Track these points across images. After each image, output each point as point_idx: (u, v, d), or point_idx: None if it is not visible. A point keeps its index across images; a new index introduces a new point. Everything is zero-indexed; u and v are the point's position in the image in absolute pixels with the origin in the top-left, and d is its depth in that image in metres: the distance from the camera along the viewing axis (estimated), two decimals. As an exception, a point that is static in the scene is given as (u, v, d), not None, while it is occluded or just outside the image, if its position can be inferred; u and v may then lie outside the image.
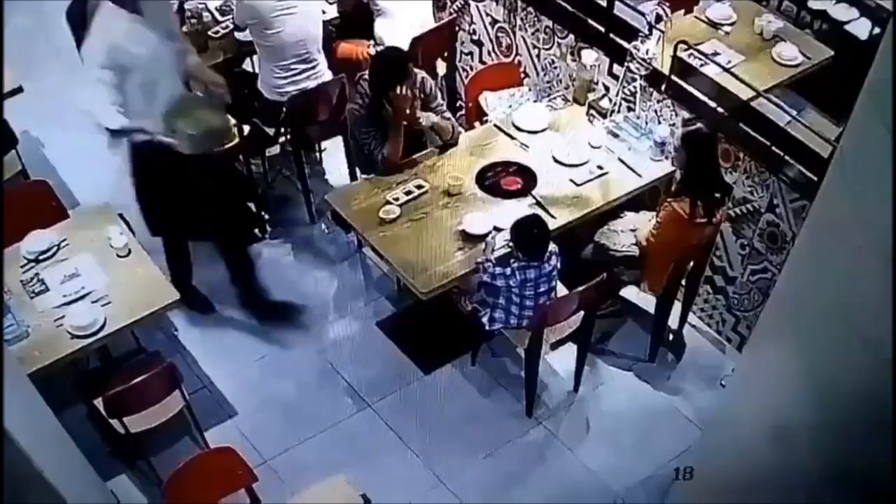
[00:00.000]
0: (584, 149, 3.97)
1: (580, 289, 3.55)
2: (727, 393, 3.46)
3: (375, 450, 3.78)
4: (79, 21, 4.64)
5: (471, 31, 4.79)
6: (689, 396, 4.01)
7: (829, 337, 2.11)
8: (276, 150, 4.74)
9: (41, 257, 3.59)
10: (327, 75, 4.38)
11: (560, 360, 4.08)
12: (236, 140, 4.26)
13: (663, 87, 3.87)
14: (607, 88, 4.17)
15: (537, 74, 4.55)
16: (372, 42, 4.59)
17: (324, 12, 4.45)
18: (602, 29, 4.06)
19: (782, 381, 2.39)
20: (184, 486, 2.99)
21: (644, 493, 3.64)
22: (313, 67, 4.29)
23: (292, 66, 4.24)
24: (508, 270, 3.44)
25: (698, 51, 3.82)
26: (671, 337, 4.19)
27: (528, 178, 3.88)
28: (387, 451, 3.79)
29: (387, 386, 4.00)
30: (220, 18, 4.59)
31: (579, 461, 3.79)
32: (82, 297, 3.45)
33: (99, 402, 3.31)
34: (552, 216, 3.69)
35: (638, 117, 3.99)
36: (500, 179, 3.89)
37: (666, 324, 4.08)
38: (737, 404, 2.81)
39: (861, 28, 4.09)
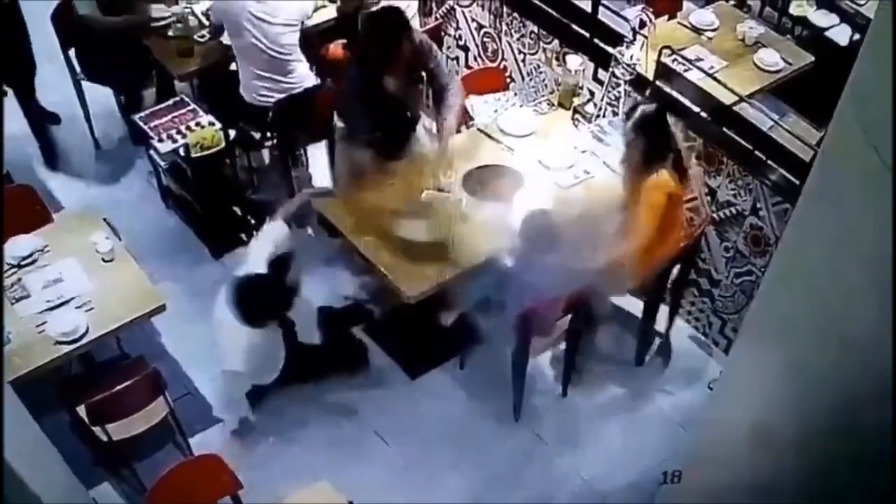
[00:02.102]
0: (569, 153, 3.99)
1: (567, 293, 3.55)
2: (714, 395, 3.48)
3: (361, 455, 3.77)
4: (64, 24, 4.65)
5: (457, 36, 4.81)
6: (677, 399, 4.02)
7: (813, 339, 2.13)
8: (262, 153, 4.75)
9: (23, 262, 3.56)
10: (308, 81, 4.38)
11: (547, 364, 4.09)
12: (222, 144, 4.27)
13: (647, 92, 3.89)
14: (592, 93, 4.19)
15: (523, 79, 4.57)
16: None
17: (308, 17, 4.43)
18: (587, 34, 4.09)
19: (767, 383, 2.40)
20: (168, 493, 2.97)
21: (631, 497, 3.65)
22: (290, 73, 4.28)
23: (266, 73, 4.24)
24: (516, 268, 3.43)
25: (682, 56, 3.85)
26: (658, 340, 4.21)
27: (513, 181, 3.89)
28: (373, 457, 3.78)
29: (374, 390, 3.99)
30: (205, 23, 4.58)
31: (567, 465, 3.79)
32: (65, 303, 3.43)
33: (81, 409, 3.28)
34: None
35: (622, 122, 4.02)
36: (487, 182, 3.90)
37: (653, 328, 4.09)
38: (723, 407, 2.82)
39: (841, 34, 4.15)
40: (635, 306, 4.03)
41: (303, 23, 4.34)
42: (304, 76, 4.35)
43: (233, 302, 3.25)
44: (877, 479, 2.07)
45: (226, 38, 4.42)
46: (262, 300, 3.32)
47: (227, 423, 3.83)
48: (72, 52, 4.72)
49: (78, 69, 4.75)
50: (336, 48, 4.61)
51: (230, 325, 3.29)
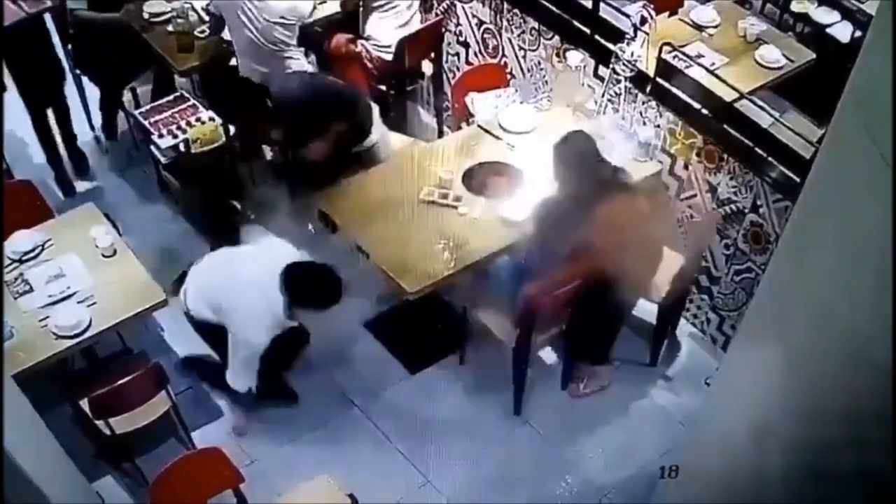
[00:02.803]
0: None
1: (569, 287, 3.56)
2: (711, 392, 3.49)
3: (362, 449, 3.79)
4: (63, 19, 4.65)
5: (457, 32, 4.81)
6: (675, 395, 4.04)
7: (811, 336, 2.13)
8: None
9: (25, 257, 3.57)
10: None
11: (548, 359, 4.10)
12: (222, 140, 4.27)
13: (648, 89, 3.90)
14: (593, 90, 4.19)
15: (523, 75, 4.58)
16: (362, 41, 4.63)
17: (304, 18, 4.40)
18: (587, 31, 4.09)
19: (765, 379, 2.41)
20: (170, 487, 2.98)
21: (630, 492, 3.66)
22: (285, 69, 4.28)
23: (261, 67, 4.25)
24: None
25: (683, 53, 3.86)
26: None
27: (514, 178, 3.90)
28: (373, 451, 3.79)
29: (374, 386, 4.01)
30: (205, 18, 4.58)
31: (566, 460, 3.81)
32: (67, 298, 3.44)
33: (84, 404, 3.29)
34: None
35: (623, 118, 4.03)
36: (487, 179, 3.91)
37: (667, 328, 4.09)
38: (720, 403, 2.83)
39: (842, 31, 4.14)
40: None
41: (302, 21, 4.35)
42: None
43: (291, 283, 3.34)
44: (876, 478, 2.08)
45: (226, 34, 4.43)
46: (321, 288, 3.42)
47: (229, 417, 3.86)
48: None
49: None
50: (339, 42, 4.63)
51: (264, 301, 3.32)
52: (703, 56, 3.96)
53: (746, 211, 3.76)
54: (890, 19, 1.66)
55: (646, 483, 3.45)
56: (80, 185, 4.79)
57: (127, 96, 4.88)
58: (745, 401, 2.53)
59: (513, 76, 4.62)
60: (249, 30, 4.14)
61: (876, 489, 2.11)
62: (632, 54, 3.82)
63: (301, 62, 4.37)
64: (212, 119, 4.35)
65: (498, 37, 4.59)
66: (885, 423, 1.95)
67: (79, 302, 3.43)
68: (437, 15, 4.83)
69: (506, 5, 4.44)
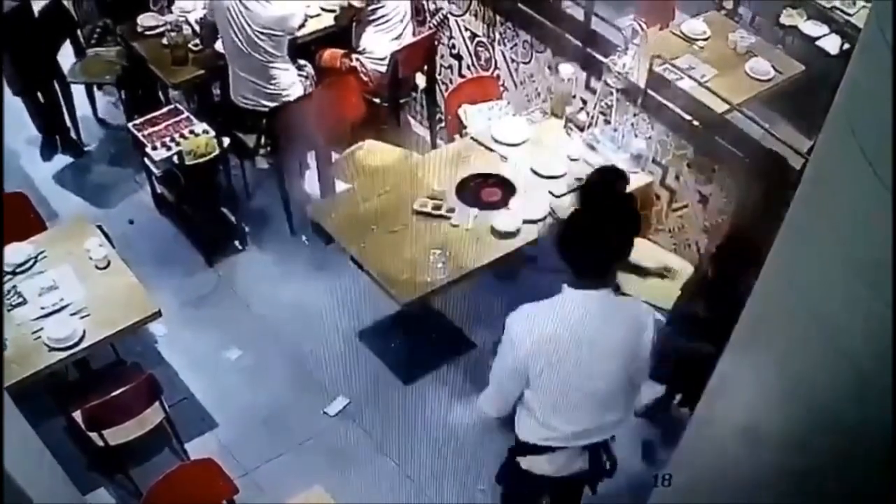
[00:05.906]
0: (562, 161, 4.02)
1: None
2: (705, 401, 3.50)
3: (356, 460, 3.78)
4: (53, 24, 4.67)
5: (450, 45, 4.84)
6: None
7: (802, 346, 2.13)
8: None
9: (18, 269, 3.56)
10: (295, 89, 4.40)
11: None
12: (216, 152, 4.28)
13: (639, 101, 3.93)
14: (585, 102, 4.23)
15: (516, 88, 4.61)
16: (356, 54, 4.66)
17: (293, 32, 4.43)
18: (579, 43, 4.13)
19: (756, 390, 2.41)
20: (164, 498, 2.97)
21: (624, 501, 3.66)
22: (272, 79, 4.31)
23: (247, 75, 4.27)
24: None
25: (674, 65, 3.89)
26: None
27: (507, 189, 3.93)
28: (368, 462, 3.79)
29: (368, 396, 4.00)
30: (200, 32, 4.60)
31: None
32: (60, 310, 3.43)
33: (78, 415, 3.28)
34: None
35: (615, 130, 4.06)
36: (480, 191, 3.93)
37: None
38: (712, 413, 2.84)
39: (831, 43, 4.19)
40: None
41: (293, 35, 4.37)
42: (288, 84, 4.38)
43: None
44: (868, 488, 2.09)
45: (219, 46, 4.45)
46: None
47: (223, 428, 3.85)
48: (60, 55, 4.74)
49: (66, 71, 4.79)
50: (334, 55, 4.66)
51: None
52: (693, 68, 4.00)
53: (737, 221, 3.78)
54: (877, 32, 1.68)
55: (640, 492, 3.44)
56: (74, 198, 4.79)
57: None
58: (738, 411, 2.53)
59: (505, 88, 4.65)
60: (236, 38, 4.17)
61: (868, 499, 2.12)
62: (623, 66, 3.85)
63: (290, 74, 4.39)
64: (205, 131, 4.36)
65: (491, 49, 4.63)
66: (876, 433, 1.96)
67: (72, 314, 3.42)
68: (430, 28, 4.86)
69: (499, 18, 4.48)
